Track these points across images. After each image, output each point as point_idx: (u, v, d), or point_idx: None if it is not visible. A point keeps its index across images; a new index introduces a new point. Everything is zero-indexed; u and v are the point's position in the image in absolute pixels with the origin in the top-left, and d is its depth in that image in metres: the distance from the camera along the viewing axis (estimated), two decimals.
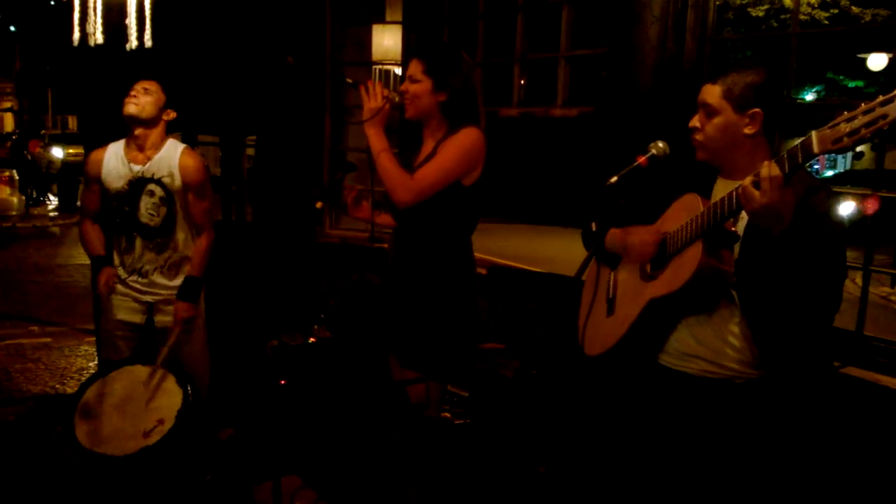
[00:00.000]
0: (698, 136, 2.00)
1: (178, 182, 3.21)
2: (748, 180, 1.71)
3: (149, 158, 3.20)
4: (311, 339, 3.91)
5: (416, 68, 2.55)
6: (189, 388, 3.00)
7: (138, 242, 3.25)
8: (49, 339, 5.84)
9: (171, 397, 2.98)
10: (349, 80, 2.68)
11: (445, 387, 2.77)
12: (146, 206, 3.20)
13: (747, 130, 1.93)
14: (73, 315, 6.59)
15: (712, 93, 1.94)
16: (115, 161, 3.21)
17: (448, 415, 3.39)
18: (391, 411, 2.67)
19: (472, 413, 3.43)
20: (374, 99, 2.52)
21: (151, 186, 3.19)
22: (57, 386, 4.73)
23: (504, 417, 3.35)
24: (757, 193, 1.69)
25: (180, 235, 3.28)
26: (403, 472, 2.73)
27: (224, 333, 4.24)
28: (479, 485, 3.12)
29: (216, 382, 3.58)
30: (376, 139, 2.52)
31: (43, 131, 20.50)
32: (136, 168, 3.19)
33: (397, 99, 2.56)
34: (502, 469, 3.16)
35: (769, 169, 1.67)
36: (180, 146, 3.27)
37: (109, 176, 3.21)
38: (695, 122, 2.00)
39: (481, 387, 3.51)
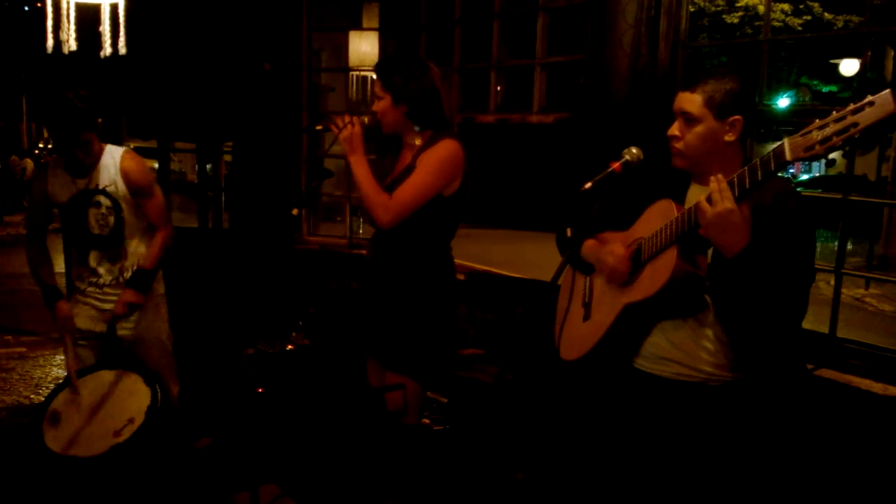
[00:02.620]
0: (678, 145, 1.99)
1: (122, 188, 3.15)
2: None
3: (90, 169, 3.12)
4: (290, 347, 3.90)
5: (377, 86, 2.60)
6: (157, 387, 2.99)
7: (92, 254, 3.22)
8: (24, 349, 5.76)
9: (139, 397, 2.97)
10: (319, 127, 2.73)
11: (425, 392, 2.76)
12: (94, 217, 3.16)
13: (728, 138, 1.94)
14: (48, 324, 6.48)
15: (693, 101, 1.94)
16: (57, 175, 3.15)
17: (427, 421, 3.39)
18: (369, 419, 2.67)
19: (451, 419, 3.43)
20: (346, 128, 2.54)
21: (97, 198, 3.14)
22: (31, 396, 4.68)
23: (483, 423, 3.35)
24: (709, 207, 1.73)
25: (132, 241, 3.25)
26: (382, 480, 2.72)
27: (202, 341, 4.22)
28: (457, 492, 3.12)
29: (194, 391, 3.56)
30: (355, 162, 2.54)
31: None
32: (80, 181, 3.13)
33: (367, 121, 2.59)
34: (481, 476, 3.16)
35: (718, 183, 1.73)
36: (118, 150, 3.19)
37: (54, 189, 3.15)
38: (674, 130, 1.99)
39: (460, 393, 3.52)
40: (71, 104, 2.92)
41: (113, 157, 3.16)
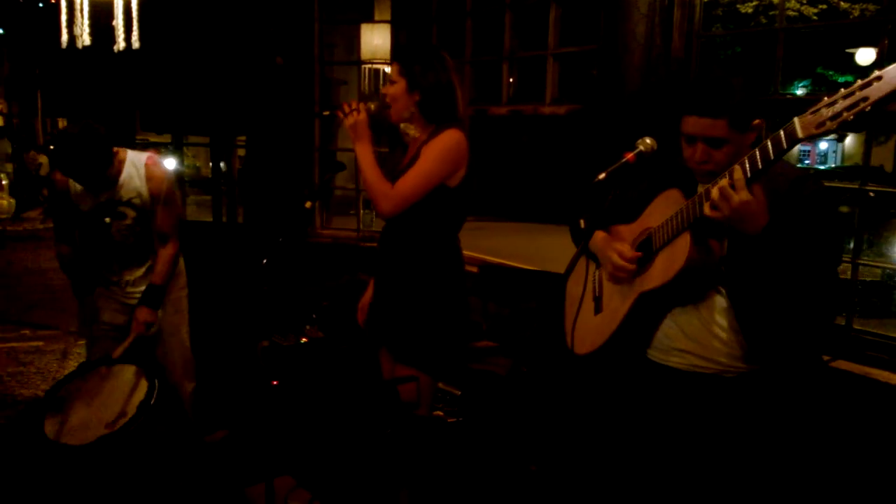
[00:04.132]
0: (707, 167, 1.92)
1: (146, 197, 3.14)
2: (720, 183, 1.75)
3: (113, 182, 3.10)
4: (303, 340, 3.91)
5: (393, 71, 2.59)
6: (156, 383, 2.99)
7: (117, 259, 3.24)
8: (41, 343, 5.81)
9: (139, 392, 2.99)
10: (326, 113, 2.71)
11: (436, 384, 2.76)
12: (119, 227, 3.15)
13: (752, 140, 1.91)
14: (64, 318, 6.56)
15: (717, 127, 1.87)
16: (80, 187, 3.11)
17: (440, 413, 3.39)
18: (383, 411, 2.67)
19: (465, 411, 3.43)
20: (351, 115, 2.54)
21: (122, 209, 3.13)
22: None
23: (496, 416, 3.35)
24: (731, 193, 1.72)
25: (157, 244, 3.26)
26: (395, 472, 2.73)
27: (216, 335, 4.24)
28: (471, 483, 3.12)
29: (209, 384, 3.58)
30: (360, 150, 2.54)
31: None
32: (104, 193, 3.11)
33: (373, 107, 2.57)
34: (494, 467, 3.16)
35: (735, 172, 1.72)
36: (141, 158, 3.15)
37: (77, 198, 3.13)
38: (700, 156, 1.91)
39: (474, 385, 3.51)
40: (94, 139, 2.91)
41: (136, 167, 3.12)
